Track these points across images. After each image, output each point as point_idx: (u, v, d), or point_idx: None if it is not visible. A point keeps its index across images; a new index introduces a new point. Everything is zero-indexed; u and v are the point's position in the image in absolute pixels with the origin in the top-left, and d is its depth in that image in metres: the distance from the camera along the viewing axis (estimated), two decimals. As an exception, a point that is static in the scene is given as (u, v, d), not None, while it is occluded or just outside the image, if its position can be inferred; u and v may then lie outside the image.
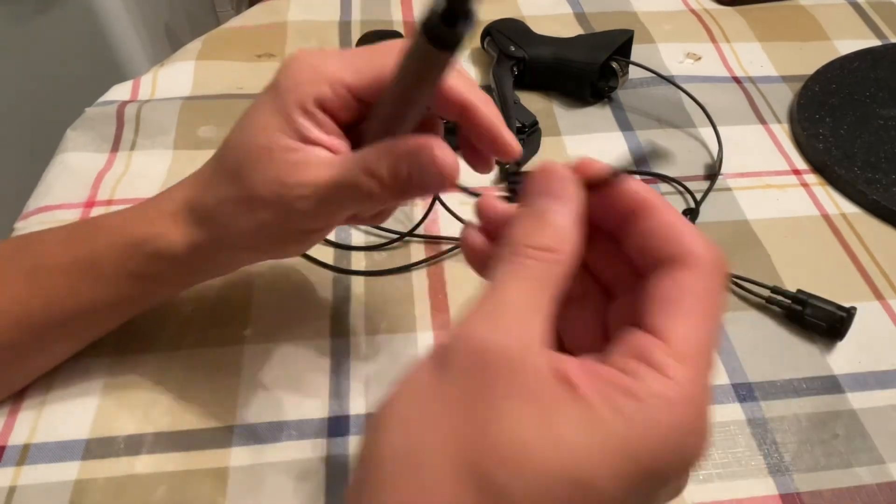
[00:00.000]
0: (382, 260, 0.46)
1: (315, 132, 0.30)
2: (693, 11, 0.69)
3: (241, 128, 0.32)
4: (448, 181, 0.28)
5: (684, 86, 0.58)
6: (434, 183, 0.28)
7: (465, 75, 0.31)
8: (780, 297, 0.43)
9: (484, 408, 0.19)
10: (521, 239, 0.22)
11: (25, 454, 0.36)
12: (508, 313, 0.21)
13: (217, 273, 0.38)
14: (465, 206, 0.49)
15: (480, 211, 0.26)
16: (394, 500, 0.20)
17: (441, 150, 0.27)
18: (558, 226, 0.22)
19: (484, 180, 0.51)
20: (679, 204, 0.50)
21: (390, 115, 0.29)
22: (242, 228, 0.32)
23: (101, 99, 0.59)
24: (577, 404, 0.19)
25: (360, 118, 0.31)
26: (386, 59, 0.29)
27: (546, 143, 0.54)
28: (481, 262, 0.26)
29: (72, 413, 0.38)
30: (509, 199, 0.26)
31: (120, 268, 0.34)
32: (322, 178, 0.29)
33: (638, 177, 0.52)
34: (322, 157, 0.30)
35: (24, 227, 0.47)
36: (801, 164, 0.54)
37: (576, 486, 0.19)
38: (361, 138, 0.31)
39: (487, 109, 0.30)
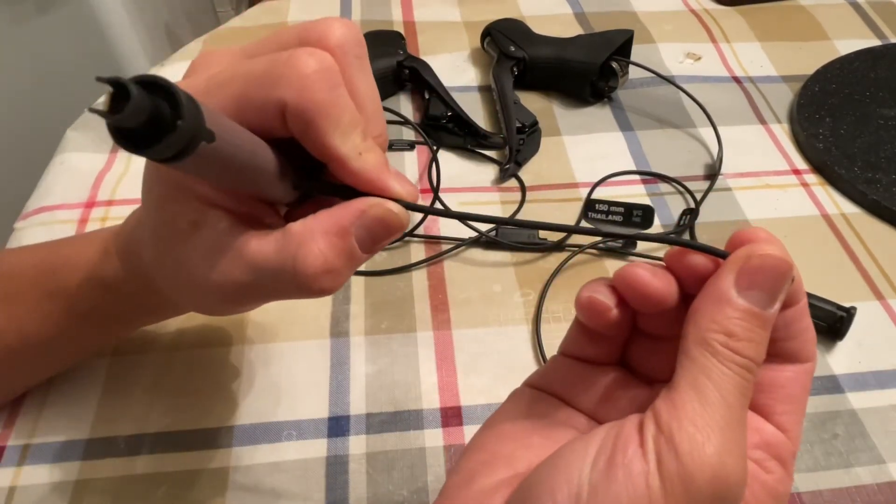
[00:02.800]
0: (382, 260, 0.46)
1: (206, 191, 0.23)
2: (693, 11, 0.69)
3: (145, 208, 0.26)
4: (401, 229, 0.24)
5: (684, 86, 0.58)
6: (389, 232, 0.24)
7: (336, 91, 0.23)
8: (780, 297, 0.43)
9: None
10: (730, 343, 0.20)
11: (25, 454, 0.36)
12: (742, 440, 0.19)
13: (161, 317, 0.36)
14: (464, 207, 0.49)
15: (624, 281, 0.22)
16: None
17: (383, 205, 0.23)
18: (766, 330, 0.21)
19: (483, 180, 0.51)
20: (679, 204, 0.50)
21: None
22: (182, 303, 0.27)
23: (102, 99, 0.59)
24: None
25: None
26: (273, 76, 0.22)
27: (546, 143, 0.54)
28: (600, 321, 0.23)
29: (72, 413, 0.38)
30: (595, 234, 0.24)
31: (88, 305, 0.32)
32: (238, 276, 0.23)
33: (638, 177, 0.52)
34: (220, 245, 0.23)
35: (24, 227, 0.48)
36: (801, 163, 0.54)
37: None
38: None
39: (368, 158, 0.24)
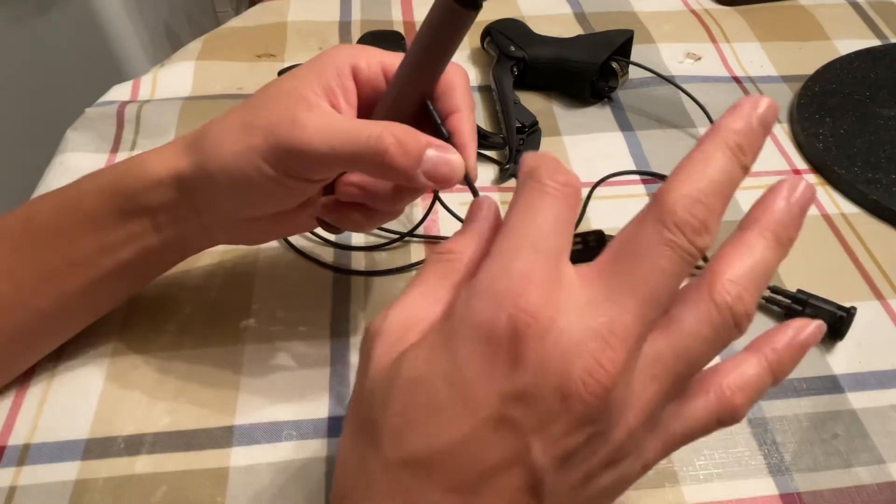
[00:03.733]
0: (382, 260, 0.46)
1: (338, 95, 0.32)
2: (693, 11, 0.69)
3: (280, 77, 0.34)
4: (451, 182, 0.30)
5: (684, 86, 0.58)
6: (440, 176, 0.30)
7: (467, 84, 0.34)
8: (779, 297, 0.43)
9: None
10: (436, 247, 0.26)
11: (25, 454, 0.36)
12: (401, 299, 0.25)
13: (197, 235, 0.37)
14: (464, 208, 0.49)
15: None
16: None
17: (456, 156, 0.31)
18: (464, 234, 0.27)
19: (483, 180, 0.51)
20: (679, 204, 0.50)
21: (407, 76, 0.32)
22: (227, 150, 0.32)
23: (102, 99, 0.59)
24: (416, 341, 0.24)
25: (377, 101, 0.34)
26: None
27: (546, 143, 0.54)
28: None
29: (72, 413, 0.38)
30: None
31: (103, 202, 0.34)
32: (335, 124, 0.31)
33: (638, 177, 0.52)
34: (336, 113, 0.32)
35: (24, 227, 0.48)
36: (801, 164, 0.54)
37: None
38: (371, 116, 0.33)
39: (469, 127, 0.33)
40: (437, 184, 0.30)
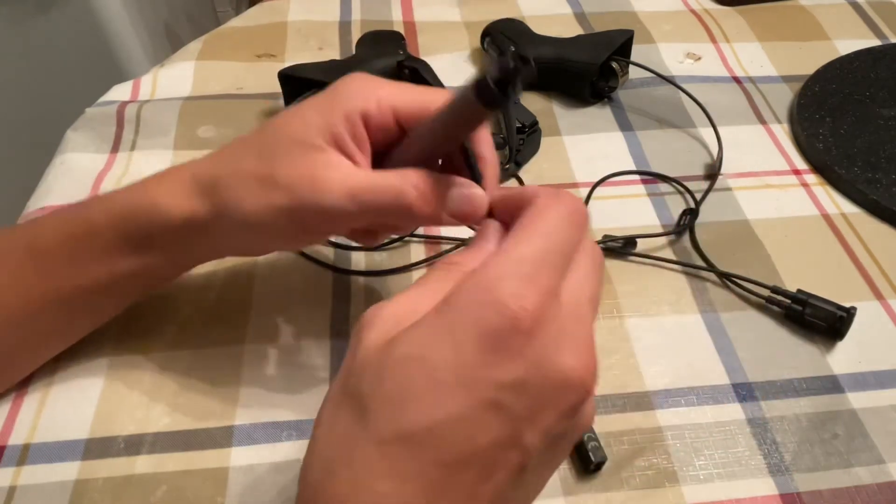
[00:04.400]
0: (382, 260, 0.46)
1: (349, 144, 0.32)
2: (693, 11, 0.69)
3: (284, 118, 0.33)
4: (477, 217, 0.31)
5: (684, 86, 0.58)
6: (464, 214, 0.31)
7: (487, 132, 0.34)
8: (779, 297, 0.43)
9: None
10: (443, 258, 0.27)
11: (25, 454, 0.36)
12: (397, 296, 0.26)
13: (207, 257, 0.38)
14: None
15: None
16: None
17: (478, 191, 0.31)
18: (471, 249, 0.28)
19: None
20: (679, 204, 0.50)
21: (426, 147, 0.32)
22: (248, 206, 0.32)
23: (102, 99, 0.59)
24: (413, 323, 0.24)
25: (389, 144, 0.33)
26: (433, 97, 0.32)
27: (546, 143, 0.54)
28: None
29: (72, 413, 0.38)
30: None
31: (115, 236, 0.34)
32: (358, 180, 0.31)
33: (638, 177, 0.52)
34: (353, 168, 0.32)
35: (24, 227, 0.48)
36: (801, 164, 0.54)
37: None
38: (385, 161, 0.33)
39: (493, 171, 0.33)
40: (463, 221, 0.31)
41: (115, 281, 0.36)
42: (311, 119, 0.32)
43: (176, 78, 0.60)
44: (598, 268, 0.26)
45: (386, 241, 0.47)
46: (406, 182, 0.31)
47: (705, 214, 0.49)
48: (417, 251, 0.47)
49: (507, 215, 0.28)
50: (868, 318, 0.43)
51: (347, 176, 0.31)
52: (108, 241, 0.34)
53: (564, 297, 0.24)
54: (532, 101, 0.58)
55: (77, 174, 0.51)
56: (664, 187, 0.51)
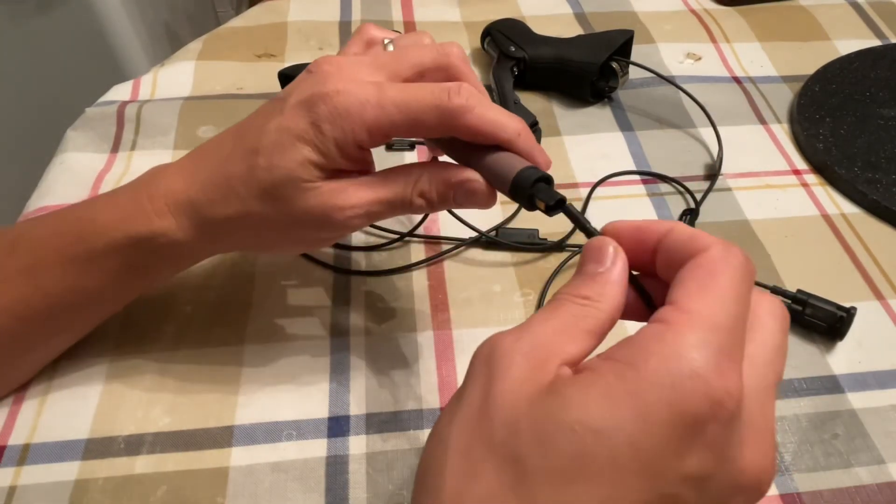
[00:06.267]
0: (382, 260, 0.46)
1: (348, 167, 0.32)
2: (693, 11, 0.69)
3: (269, 149, 0.32)
4: (485, 206, 0.32)
5: (684, 86, 0.58)
6: (474, 205, 0.32)
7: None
8: (779, 297, 0.43)
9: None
10: (566, 290, 0.25)
11: (25, 454, 0.36)
12: (529, 328, 0.23)
13: (207, 257, 0.39)
14: (465, 206, 0.49)
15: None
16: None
17: (482, 183, 0.32)
18: (597, 281, 0.24)
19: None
20: (679, 204, 0.50)
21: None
22: (268, 241, 0.35)
23: (102, 99, 0.59)
24: (580, 377, 0.21)
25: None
26: (421, 95, 0.31)
27: (546, 143, 0.54)
28: None
29: (72, 413, 0.38)
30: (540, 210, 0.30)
31: (119, 264, 0.35)
32: (367, 198, 0.32)
33: (638, 177, 0.52)
34: (353, 180, 0.32)
35: (24, 227, 0.48)
36: (801, 164, 0.54)
37: (587, 432, 0.20)
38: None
39: (544, 159, 0.34)
40: (471, 206, 0.32)
41: (116, 294, 0.37)
42: (304, 156, 0.31)
43: (176, 78, 0.60)
44: (785, 338, 0.23)
45: (385, 241, 0.47)
46: (413, 190, 0.32)
47: (705, 214, 0.49)
48: (417, 251, 0.47)
49: (643, 251, 0.25)
50: (868, 318, 0.43)
51: (359, 199, 0.32)
52: (111, 268, 0.35)
53: (748, 376, 0.21)
54: (532, 101, 0.58)
55: (77, 174, 0.51)
56: (664, 187, 0.51)
